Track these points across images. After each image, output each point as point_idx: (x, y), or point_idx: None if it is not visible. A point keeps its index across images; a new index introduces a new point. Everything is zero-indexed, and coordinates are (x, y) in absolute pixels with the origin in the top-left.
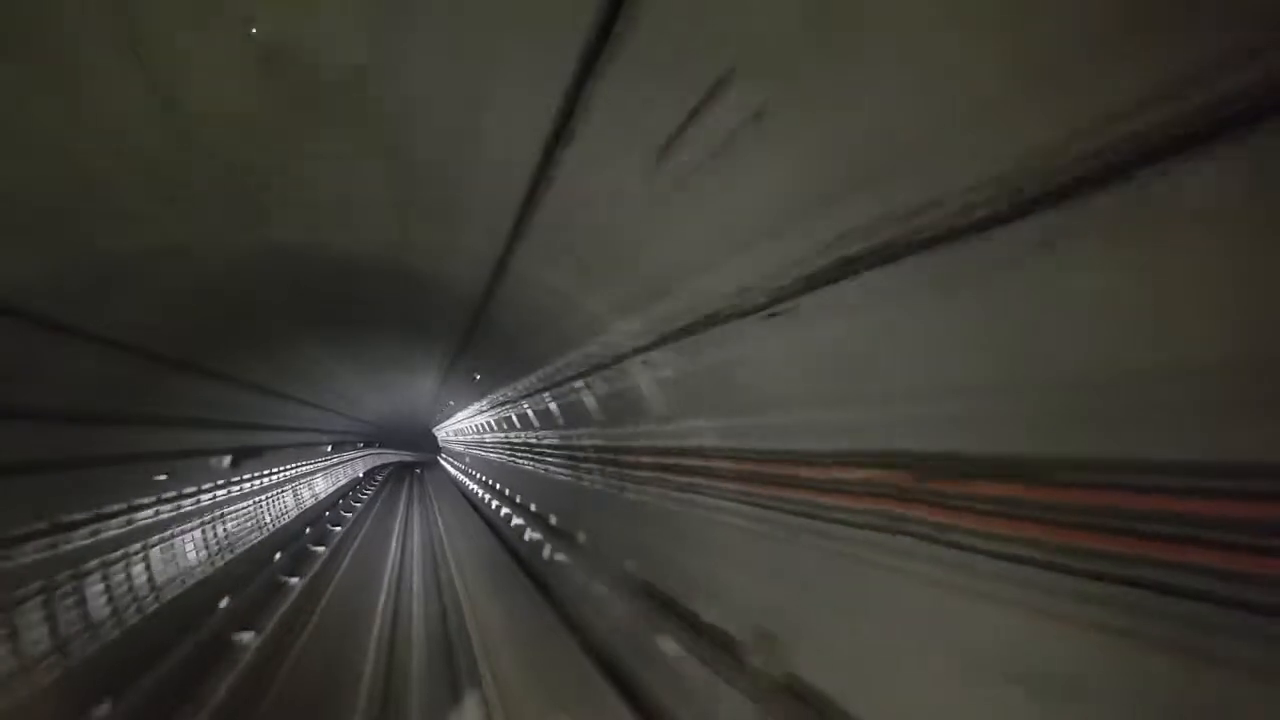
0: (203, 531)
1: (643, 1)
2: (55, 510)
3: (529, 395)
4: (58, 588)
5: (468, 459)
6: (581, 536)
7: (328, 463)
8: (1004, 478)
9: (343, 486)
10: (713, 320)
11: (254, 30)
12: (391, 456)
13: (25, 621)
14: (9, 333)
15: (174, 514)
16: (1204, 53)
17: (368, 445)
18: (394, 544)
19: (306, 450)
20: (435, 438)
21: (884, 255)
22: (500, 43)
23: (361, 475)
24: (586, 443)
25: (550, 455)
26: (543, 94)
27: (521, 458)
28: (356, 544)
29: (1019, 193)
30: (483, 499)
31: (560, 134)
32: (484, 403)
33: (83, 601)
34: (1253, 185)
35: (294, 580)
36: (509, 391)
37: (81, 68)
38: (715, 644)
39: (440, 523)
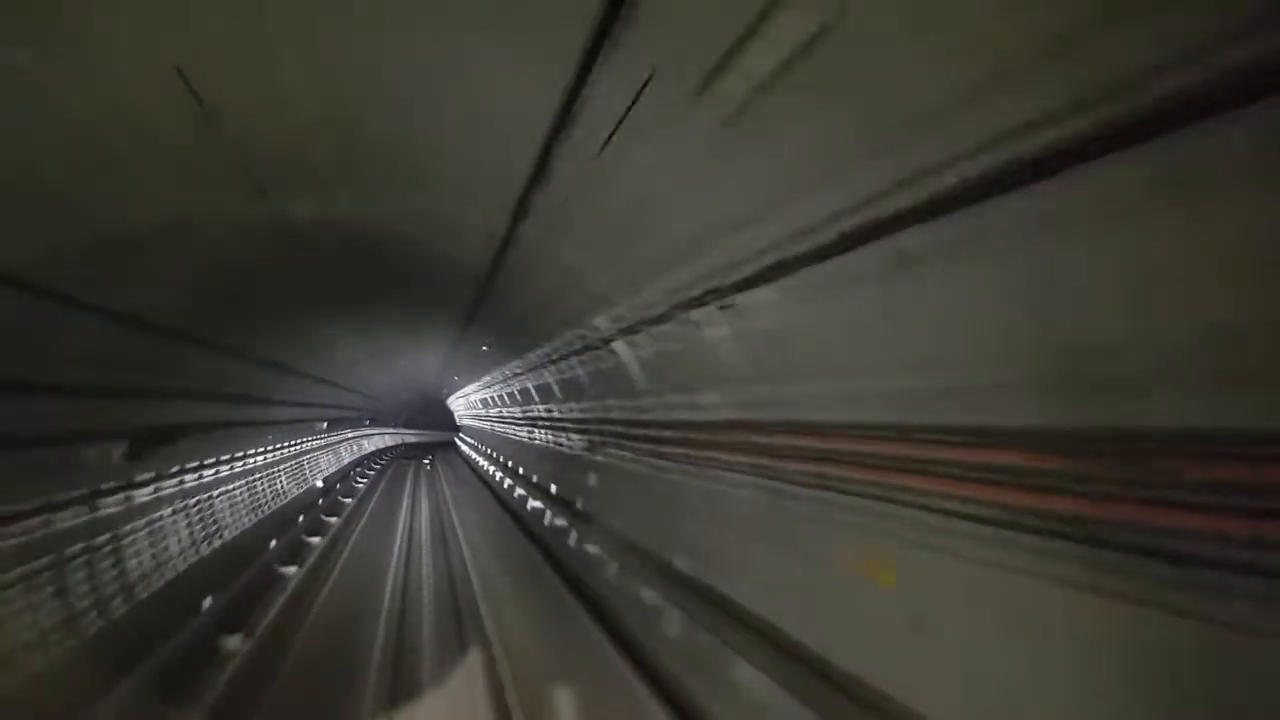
0: None
1: None
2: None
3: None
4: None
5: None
6: None
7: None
8: (1010, 447)
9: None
10: (720, 292)
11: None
12: (390, 438)
13: (139, 547)
14: (26, 306)
15: None
16: (1213, 22)
17: (341, 425)
18: None
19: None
20: (451, 413)
21: (891, 225)
22: (509, 13)
23: (319, 486)
24: None
25: None
26: (553, 64)
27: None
28: None
29: (1024, 163)
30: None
31: (572, 101)
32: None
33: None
34: (1259, 155)
35: None
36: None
37: (91, 41)
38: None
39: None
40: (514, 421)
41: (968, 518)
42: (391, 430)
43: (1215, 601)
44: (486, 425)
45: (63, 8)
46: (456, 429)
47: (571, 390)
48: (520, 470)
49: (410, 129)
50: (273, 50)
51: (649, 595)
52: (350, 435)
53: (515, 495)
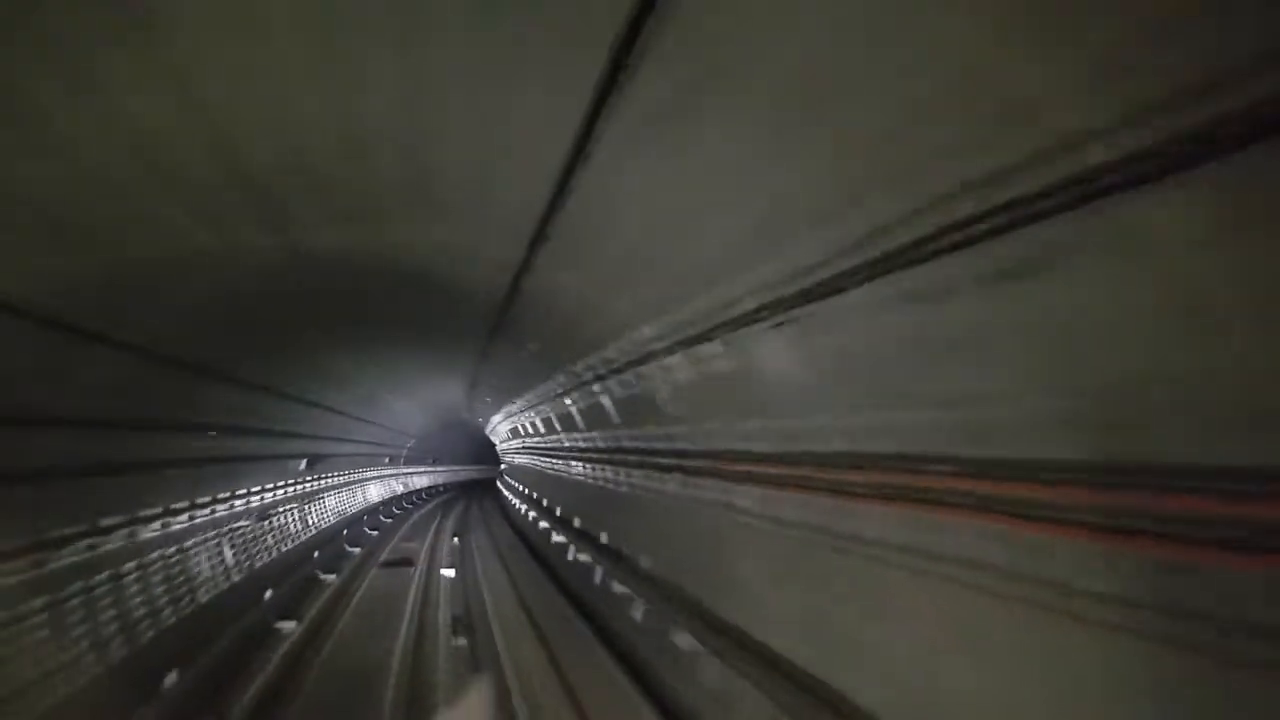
0: None
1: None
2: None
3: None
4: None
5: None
6: None
7: None
8: (1017, 479)
9: None
10: (732, 324)
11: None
12: (377, 487)
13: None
14: (40, 339)
15: None
16: (1226, 59)
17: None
18: None
19: None
20: (489, 443)
21: (899, 261)
22: (525, 45)
23: None
24: None
25: None
26: (569, 96)
27: None
28: None
29: (1036, 198)
30: None
31: (587, 133)
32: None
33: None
34: (1270, 193)
35: None
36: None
37: (109, 76)
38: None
39: None
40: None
41: (989, 550)
42: (382, 472)
43: (1232, 638)
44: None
45: (84, 44)
46: (497, 463)
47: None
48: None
49: (427, 161)
50: (290, 83)
51: None
52: (318, 484)
53: None
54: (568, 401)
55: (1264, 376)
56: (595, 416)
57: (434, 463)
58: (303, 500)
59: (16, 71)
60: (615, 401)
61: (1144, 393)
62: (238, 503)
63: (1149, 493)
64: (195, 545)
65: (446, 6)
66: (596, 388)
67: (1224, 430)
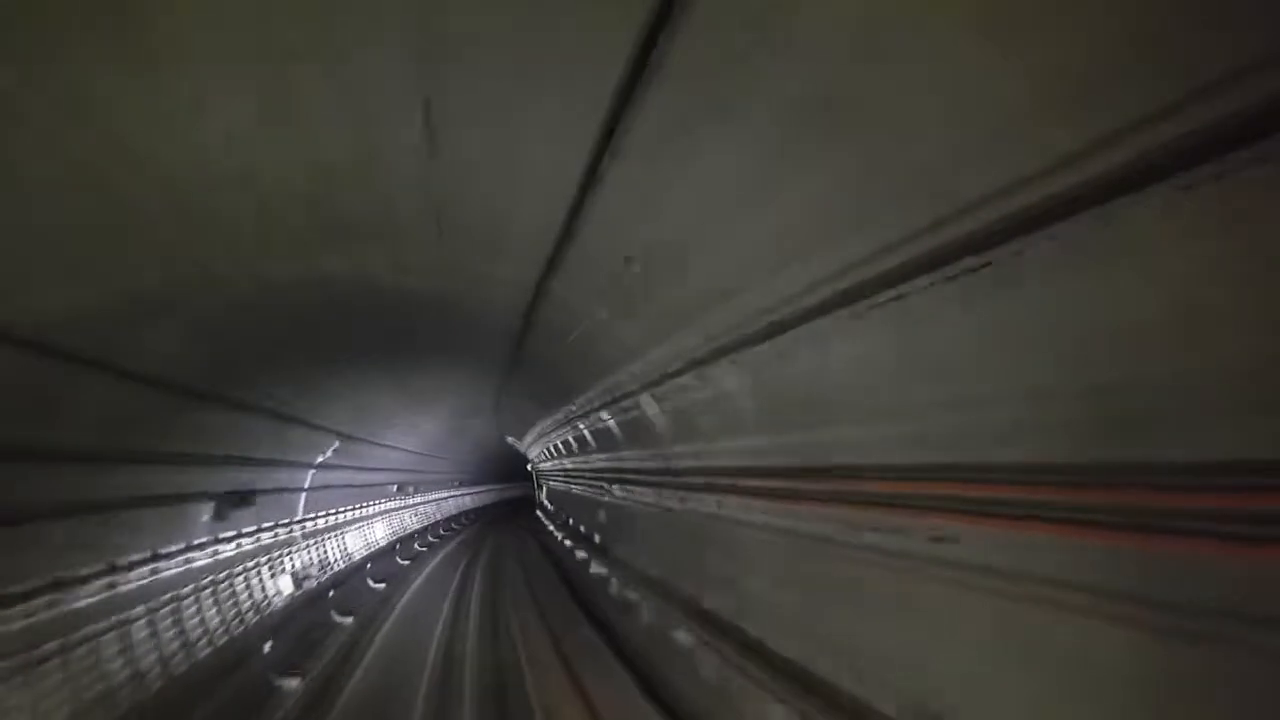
0: None
1: (686, 14)
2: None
3: None
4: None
5: None
6: None
7: None
8: (1029, 483)
9: None
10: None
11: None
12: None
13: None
14: (38, 368)
15: None
16: (1222, 64)
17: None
18: None
19: None
20: (523, 461)
21: (909, 271)
22: (540, 66)
23: None
24: None
25: None
26: (583, 118)
27: None
28: None
29: (1043, 204)
30: None
31: (601, 156)
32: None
33: None
34: (1270, 191)
35: None
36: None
37: (111, 99)
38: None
39: None
40: None
41: (991, 553)
42: (373, 506)
43: (1230, 628)
44: None
45: (96, 73)
46: (534, 481)
47: None
48: None
49: (443, 185)
50: (303, 107)
51: None
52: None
53: None
54: None
55: (1259, 373)
56: None
57: (400, 490)
58: None
59: (19, 96)
60: None
61: (1141, 392)
62: None
63: (1147, 490)
64: None
65: (466, 45)
66: None
67: (1221, 426)
